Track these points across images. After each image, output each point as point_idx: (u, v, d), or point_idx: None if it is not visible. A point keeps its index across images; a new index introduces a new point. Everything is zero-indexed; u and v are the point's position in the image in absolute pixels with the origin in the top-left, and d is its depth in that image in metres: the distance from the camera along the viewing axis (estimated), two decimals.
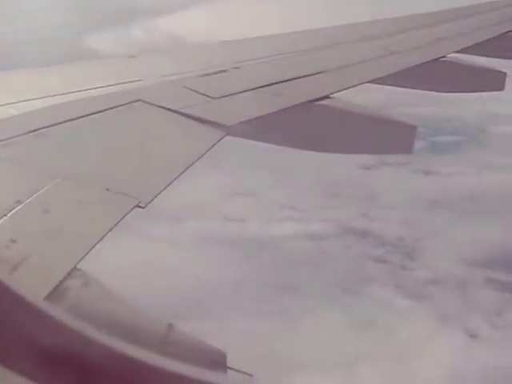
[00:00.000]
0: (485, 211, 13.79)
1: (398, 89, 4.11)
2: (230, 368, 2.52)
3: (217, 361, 2.51)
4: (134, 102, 3.37)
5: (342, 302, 10.74)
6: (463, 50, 4.48)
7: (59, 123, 2.94)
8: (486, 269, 12.31)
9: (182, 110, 3.41)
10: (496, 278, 11.68)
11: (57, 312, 0.44)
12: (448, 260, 12.23)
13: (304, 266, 11.32)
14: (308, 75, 3.84)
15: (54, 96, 3.23)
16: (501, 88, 4.41)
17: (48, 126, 2.86)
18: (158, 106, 3.41)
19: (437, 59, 4.26)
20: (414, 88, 4.15)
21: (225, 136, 3.35)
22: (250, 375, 2.78)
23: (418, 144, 15.88)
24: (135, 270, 10.06)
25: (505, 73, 4.48)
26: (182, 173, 2.98)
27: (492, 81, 4.45)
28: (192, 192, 12.55)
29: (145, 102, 3.40)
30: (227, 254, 11.83)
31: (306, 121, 3.62)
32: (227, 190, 14.04)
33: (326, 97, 3.60)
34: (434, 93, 4.29)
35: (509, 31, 5.06)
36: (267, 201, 14.39)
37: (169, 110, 3.42)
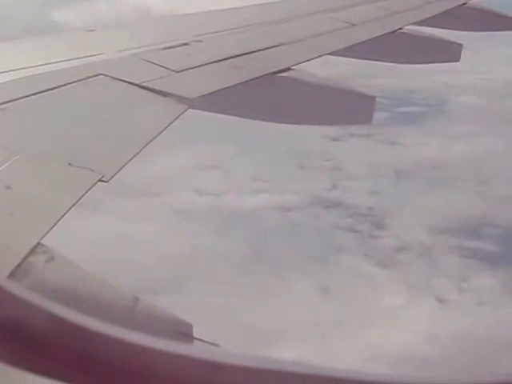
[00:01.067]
0: (449, 180, 14.08)
1: (357, 61, 4.16)
2: (196, 339, 2.58)
3: (183, 332, 2.56)
4: (95, 76, 3.36)
5: (314, 272, 10.92)
6: (420, 23, 4.54)
7: (20, 98, 2.92)
8: (451, 236, 12.60)
9: (143, 84, 3.41)
10: (461, 245, 11.98)
11: (18, 289, 0.47)
12: (415, 228, 12.48)
13: (277, 238, 11.43)
14: (268, 48, 3.87)
15: (14, 70, 3.21)
16: (457, 59, 4.49)
17: (9, 101, 2.85)
18: (120, 80, 3.40)
19: (394, 31, 4.31)
20: (372, 60, 4.21)
21: (187, 109, 3.37)
22: (217, 345, 2.84)
23: (382, 115, 16.09)
24: (109, 245, 10.06)
25: (461, 44, 4.56)
26: (144, 146, 3.01)
27: (448, 52, 4.52)
28: (162, 166, 12.54)
29: (106, 75, 3.39)
30: (201, 227, 11.89)
31: (267, 93, 3.66)
32: (196, 164, 14.04)
33: (287, 69, 3.63)
34: (392, 64, 4.35)
35: (464, 3, 5.13)
36: (237, 173, 14.43)
37: (130, 83, 3.42)
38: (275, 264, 10.86)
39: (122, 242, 10.64)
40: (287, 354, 8.33)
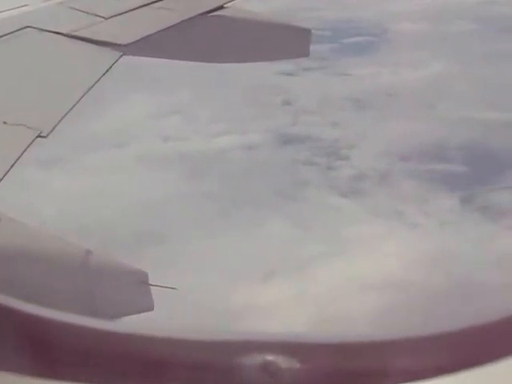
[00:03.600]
0: (405, 107, 14.33)
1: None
2: (153, 285, 2.59)
3: (139, 280, 2.56)
4: (22, 28, 3.24)
5: (285, 209, 11.09)
6: None
7: None
8: (407, 162, 12.92)
9: (74, 33, 3.31)
10: (417, 169, 12.31)
11: None
12: (373, 157, 12.74)
13: (244, 177, 11.51)
14: None
15: None
16: None
17: None
18: (48, 31, 3.29)
19: None
20: None
21: (122, 56, 3.29)
22: (174, 288, 2.86)
23: (332, 47, 16.14)
24: (80, 200, 9.90)
25: None
26: (81, 98, 2.93)
27: None
28: (120, 116, 12.34)
29: (34, 28, 3.27)
30: (172, 173, 11.85)
31: (202, 33, 3.59)
32: (154, 111, 13.86)
33: (220, 7, 3.57)
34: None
35: None
36: (197, 117, 14.34)
37: (60, 34, 3.31)
38: (247, 203, 10.98)
39: (95, 195, 10.49)
40: (277, 291, 8.48)
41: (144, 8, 3.56)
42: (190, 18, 3.46)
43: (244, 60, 3.58)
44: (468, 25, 17.96)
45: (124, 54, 3.31)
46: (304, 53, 3.56)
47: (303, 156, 12.95)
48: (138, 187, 11.32)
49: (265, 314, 7.68)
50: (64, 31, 3.30)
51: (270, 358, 0.60)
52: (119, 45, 3.28)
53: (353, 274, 9.54)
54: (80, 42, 3.28)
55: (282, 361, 0.60)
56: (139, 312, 2.39)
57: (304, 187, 11.87)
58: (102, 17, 3.48)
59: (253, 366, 0.59)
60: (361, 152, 12.71)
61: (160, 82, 12.94)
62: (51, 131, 2.47)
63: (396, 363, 0.62)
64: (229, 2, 3.66)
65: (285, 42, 3.55)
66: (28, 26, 3.26)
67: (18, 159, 2.26)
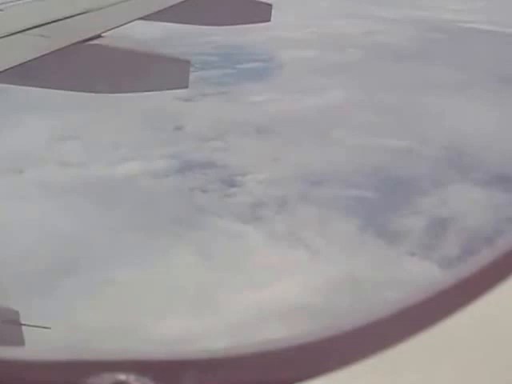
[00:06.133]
0: (305, 134, 14.57)
1: (173, 25, 4.13)
2: (24, 324, 2.52)
3: (10, 319, 2.49)
4: None
5: (187, 237, 10.99)
6: None
7: None
8: (300, 186, 13.14)
9: None
10: (312, 194, 12.56)
11: None
12: (266, 183, 12.92)
13: (135, 206, 11.32)
14: (76, 15, 3.74)
15: None
16: (267, 19, 4.60)
17: None
18: None
19: None
20: (188, 23, 4.19)
21: None
22: (48, 328, 2.79)
23: (227, 72, 16.29)
24: None
25: (270, 4, 4.67)
26: None
27: (259, 12, 4.61)
28: (13, 141, 11.87)
29: None
30: (75, 201, 11.45)
31: (78, 62, 3.55)
32: (49, 135, 13.41)
33: (97, 36, 3.54)
34: (207, 26, 4.36)
35: None
36: (96, 142, 13.99)
37: None
38: (151, 233, 10.80)
39: None
40: (183, 323, 8.36)
41: (18, 34, 3.49)
42: (65, 47, 3.41)
43: (118, 91, 3.57)
44: (356, 53, 18.67)
45: None
46: (182, 84, 3.59)
47: (203, 182, 12.95)
48: (41, 216, 10.84)
49: (158, 344, 7.55)
50: None
51: (121, 377, 0.60)
52: None
53: (258, 301, 9.55)
54: None
55: (133, 380, 0.60)
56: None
57: (203, 214, 11.82)
58: None
59: None
60: (259, 178, 12.85)
61: (50, 108, 12.60)
62: None
63: (248, 377, 0.64)
64: (108, 30, 3.65)
65: (163, 72, 3.56)
66: None
67: None
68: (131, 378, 0.61)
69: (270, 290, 9.64)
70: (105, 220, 10.94)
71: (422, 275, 9.13)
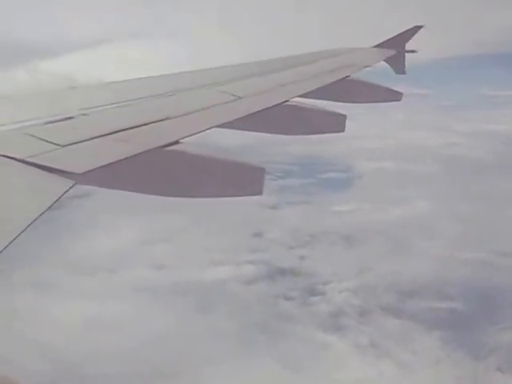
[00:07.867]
0: (395, 243, 14.46)
1: (247, 133, 4.21)
2: None
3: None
4: None
5: (273, 344, 10.96)
6: (305, 95, 4.68)
7: None
8: (382, 297, 12.91)
9: (27, 159, 3.30)
10: (400, 307, 12.31)
11: None
12: (348, 292, 12.78)
13: (225, 312, 11.39)
14: (156, 121, 3.86)
15: None
16: (342, 129, 4.64)
17: None
18: (1, 156, 3.28)
19: (280, 104, 4.41)
20: (261, 132, 4.27)
21: (75, 184, 3.27)
22: None
23: (309, 181, 16.53)
24: (84, 329, 9.50)
25: (345, 115, 4.73)
26: (29, 225, 2.88)
27: (333, 123, 4.67)
28: (109, 241, 12.23)
29: None
30: (175, 303, 11.60)
31: (156, 166, 3.63)
32: (140, 239, 13.78)
33: (175, 142, 3.63)
34: (284, 136, 4.44)
35: (346, 76, 5.35)
36: (188, 246, 14.35)
37: (13, 159, 3.30)
38: (238, 340, 10.76)
39: (99, 325, 9.97)
40: None
41: (100, 138, 3.60)
42: (144, 151, 3.50)
43: (192, 195, 3.62)
44: (435, 165, 18.67)
45: (77, 183, 3.30)
46: (257, 191, 3.61)
47: (290, 291, 12.86)
48: (143, 318, 10.87)
49: None
50: (17, 156, 3.29)
51: None
52: (72, 173, 3.28)
53: None
54: (33, 169, 3.27)
55: None
56: None
57: (287, 322, 11.63)
58: (58, 144, 3.49)
59: None
60: (347, 286, 12.65)
61: (131, 211, 12.91)
62: None
63: None
64: (183, 138, 3.73)
65: (237, 179, 3.60)
66: None
67: None
68: None
69: None
70: (195, 325, 10.95)
71: None
